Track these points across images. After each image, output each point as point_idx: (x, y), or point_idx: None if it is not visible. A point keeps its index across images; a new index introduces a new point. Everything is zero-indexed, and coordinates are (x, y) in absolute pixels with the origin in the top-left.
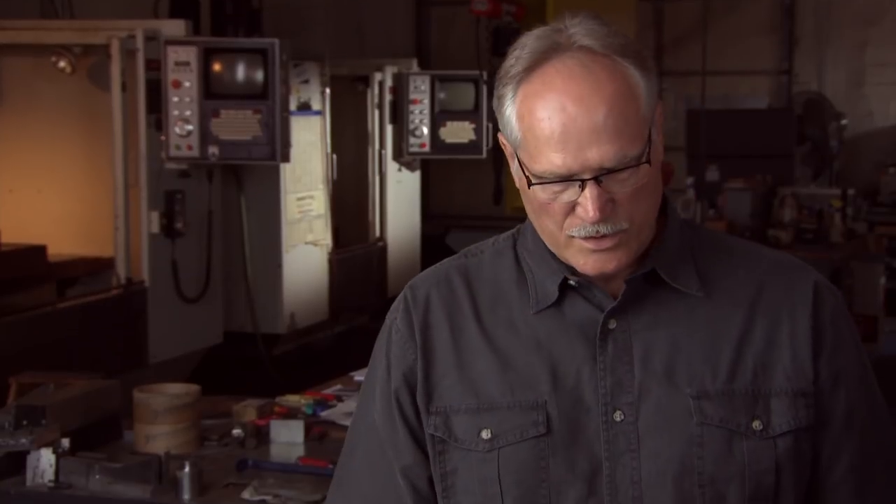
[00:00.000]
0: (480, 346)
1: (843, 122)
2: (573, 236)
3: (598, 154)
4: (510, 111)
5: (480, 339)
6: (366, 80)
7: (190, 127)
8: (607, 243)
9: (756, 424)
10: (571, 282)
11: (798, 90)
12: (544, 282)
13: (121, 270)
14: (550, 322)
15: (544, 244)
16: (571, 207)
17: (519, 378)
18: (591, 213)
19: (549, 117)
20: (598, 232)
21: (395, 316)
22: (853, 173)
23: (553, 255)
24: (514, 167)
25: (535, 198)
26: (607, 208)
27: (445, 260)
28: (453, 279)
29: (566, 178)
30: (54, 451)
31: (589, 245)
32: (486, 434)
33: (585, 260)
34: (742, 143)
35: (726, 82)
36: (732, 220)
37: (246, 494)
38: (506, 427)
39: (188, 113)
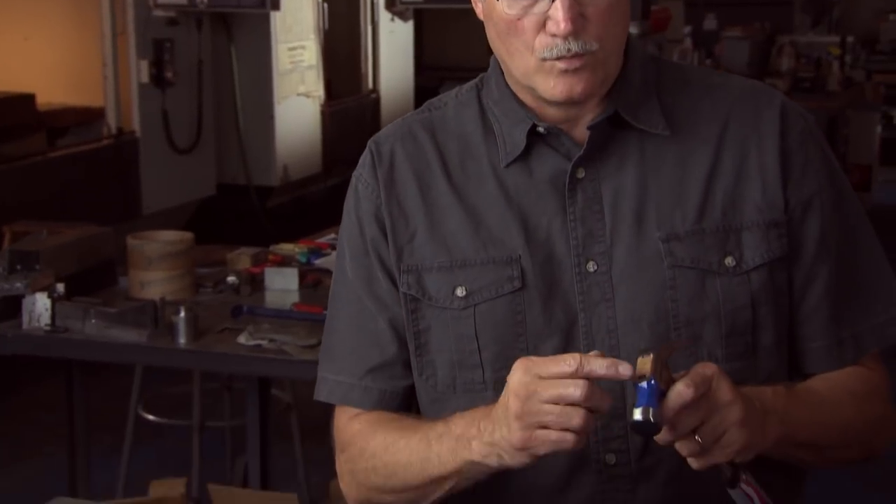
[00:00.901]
0: (450, 202)
1: None
2: (544, 59)
3: None
4: None
5: (450, 195)
6: None
7: None
8: (577, 63)
9: (728, 261)
10: (540, 128)
11: None
12: (511, 131)
13: (111, 120)
14: (519, 176)
15: (510, 91)
16: (542, 23)
17: (491, 234)
18: (561, 26)
19: None
20: (569, 50)
21: (360, 172)
22: (852, 21)
23: (519, 102)
24: None
25: (502, 18)
26: (578, 22)
27: (408, 115)
28: (418, 134)
29: None
30: (49, 296)
31: (560, 65)
32: (460, 291)
33: (555, 83)
34: None
35: None
36: (729, 68)
37: (241, 339)
38: (480, 283)
39: None
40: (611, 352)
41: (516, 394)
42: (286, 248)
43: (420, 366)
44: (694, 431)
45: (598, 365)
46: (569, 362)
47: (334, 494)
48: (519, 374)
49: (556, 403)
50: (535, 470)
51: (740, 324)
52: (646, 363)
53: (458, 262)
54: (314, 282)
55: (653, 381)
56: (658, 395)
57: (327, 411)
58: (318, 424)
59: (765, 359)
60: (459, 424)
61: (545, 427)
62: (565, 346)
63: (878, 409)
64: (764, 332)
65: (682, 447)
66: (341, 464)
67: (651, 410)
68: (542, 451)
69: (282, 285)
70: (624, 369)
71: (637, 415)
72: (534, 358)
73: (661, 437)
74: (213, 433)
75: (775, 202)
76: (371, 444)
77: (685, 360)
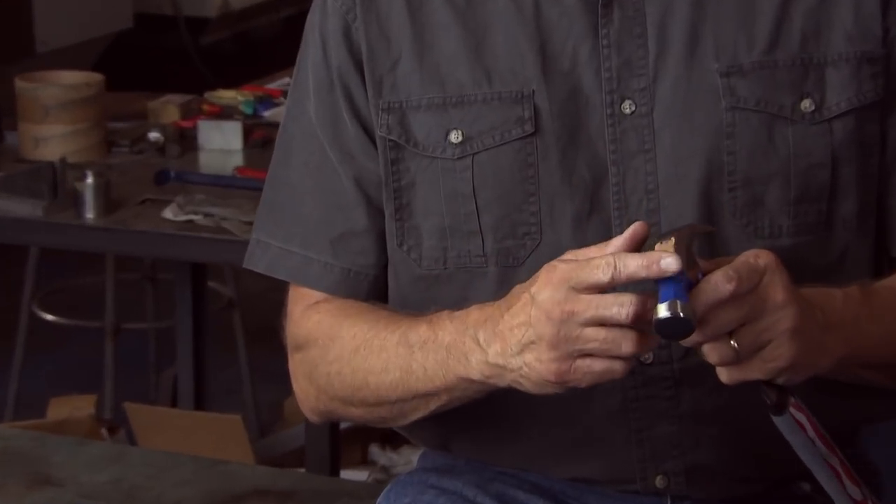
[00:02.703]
0: (446, 18)
1: None
2: None
3: None
4: None
5: (446, 9)
6: None
7: None
8: None
9: (805, 104)
10: None
11: None
12: None
13: None
14: None
15: None
16: None
17: (497, 61)
18: None
19: None
20: None
21: None
22: None
23: None
24: None
25: None
26: None
27: None
28: None
29: None
30: None
31: None
32: (455, 136)
33: None
34: None
35: None
36: None
37: (168, 213)
38: (481, 126)
39: None
40: (649, 217)
41: (550, 316)
42: (226, 95)
43: (401, 234)
44: (731, 334)
45: (637, 266)
46: (602, 269)
47: (290, 415)
48: (549, 289)
49: (601, 325)
50: None
51: (815, 187)
52: (666, 249)
53: (453, 97)
54: (262, 139)
55: (679, 270)
56: (686, 286)
57: (279, 308)
58: (269, 326)
59: (842, 234)
60: (448, 330)
61: (588, 355)
62: (590, 211)
63: None
64: (844, 200)
65: (711, 352)
66: (295, 364)
67: (679, 304)
68: (583, 383)
69: (221, 144)
70: (668, 262)
71: (662, 311)
72: (563, 262)
73: (688, 339)
74: (131, 337)
75: (871, 31)
76: (336, 343)
77: (738, 236)
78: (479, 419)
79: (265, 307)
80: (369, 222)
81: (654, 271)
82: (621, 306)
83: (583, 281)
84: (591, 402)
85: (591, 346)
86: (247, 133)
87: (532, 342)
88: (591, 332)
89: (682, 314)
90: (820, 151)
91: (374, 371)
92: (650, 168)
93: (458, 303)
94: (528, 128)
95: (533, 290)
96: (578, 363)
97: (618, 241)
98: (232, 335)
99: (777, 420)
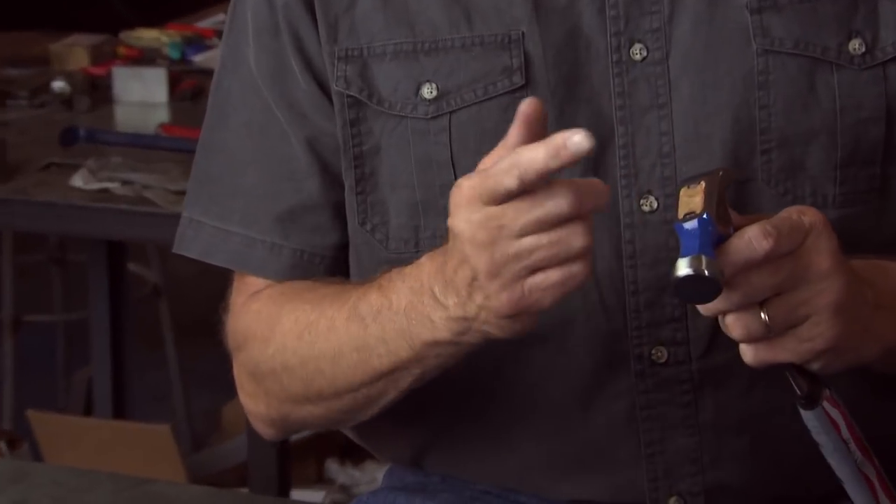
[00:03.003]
0: None
1: None
2: None
3: None
4: None
5: None
6: None
7: None
8: None
9: (855, 45)
10: None
11: None
12: None
13: None
14: None
15: None
16: None
17: None
18: None
19: None
20: None
21: None
22: None
23: None
24: None
25: None
26: None
27: None
28: None
29: None
30: None
31: None
32: (428, 91)
33: None
34: None
35: None
36: None
37: (78, 181)
38: (460, 78)
39: None
40: (663, 186)
41: (474, 242)
42: (147, 36)
43: (363, 210)
44: (762, 304)
45: (544, 155)
46: (507, 172)
47: (229, 424)
48: (463, 213)
49: (539, 231)
50: (545, 381)
51: (866, 146)
52: (694, 195)
53: (424, 43)
54: (192, 90)
55: (706, 217)
56: (715, 239)
57: (217, 296)
58: (203, 318)
59: None
60: (402, 293)
61: (537, 270)
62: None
63: None
64: None
65: (735, 323)
66: (238, 367)
67: (705, 260)
68: (545, 303)
69: (141, 95)
70: (578, 141)
71: (683, 268)
72: (467, 178)
73: (710, 305)
74: (35, 332)
75: None
76: (277, 332)
77: (773, 207)
78: (458, 428)
79: (198, 295)
80: (325, 194)
81: (565, 156)
82: (555, 198)
83: (491, 194)
84: (593, 410)
85: (536, 256)
86: (173, 82)
87: (474, 279)
88: (529, 241)
89: (706, 272)
90: (872, 102)
91: (325, 356)
92: (665, 127)
93: None
94: (517, 79)
95: (449, 221)
96: (530, 282)
97: (512, 134)
98: (158, 329)
99: (806, 415)
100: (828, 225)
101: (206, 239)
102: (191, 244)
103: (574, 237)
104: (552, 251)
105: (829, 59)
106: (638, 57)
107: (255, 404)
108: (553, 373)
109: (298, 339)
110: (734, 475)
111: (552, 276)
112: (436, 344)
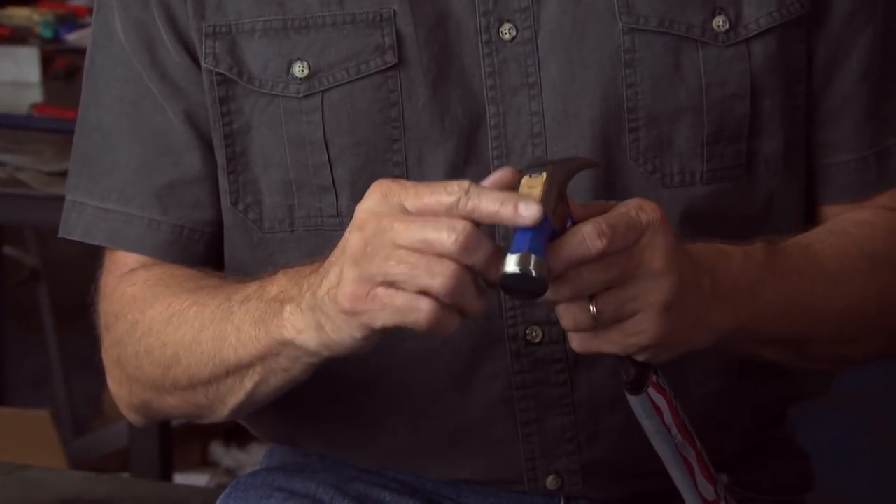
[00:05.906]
0: None
1: None
2: None
3: None
4: None
5: None
6: None
7: None
8: None
9: (719, 22)
10: None
11: None
12: None
13: None
14: None
15: None
16: None
17: None
18: None
19: None
20: None
21: None
22: None
23: None
24: None
25: None
26: None
27: None
28: None
29: None
30: None
31: None
32: (299, 69)
33: None
34: None
35: None
36: None
37: None
38: (332, 57)
39: None
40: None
41: (361, 227)
42: (18, 14)
43: (235, 190)
44: (591, 297)
45: (490, 200)
46: (451, 189)
47: (111, 409)
48: (373, 200)
49: (416, 252)
50: (419, 364)
51: (732, 121)
52: (534, 186)
53: (295, 20)
54: (66, 69)
55: (542, 216)
56: (548, 236)
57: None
58: (84, 302)
59: (766, 179)
60: (279, 282)
61: (391, 285)
62: (466, 160)
63: None
64: (767, 138)
65: (564, 314)
66: (106, 350)
67: (534, 259)
68: (377, 321)
69: (13, 75)
70: (529, 210)
71: (510, 265)
72: (403, 181)
73: (545, 295)
74: None
75: None
76: (147, 315)
77: (642, 185)
78: (330, 409)
79: (78, 278)
80: (205, 168)
81: (505, 215)
82: (450, 231)
83: (420, 200)
84: (470, 391)
85: (396, 270)
86: (46, 61)
87: (339, 256)
88: (401, 253)
89: (533, 272)
90: (737, 79)
91: (183, 342)
92: (535, 106)
93: None
94: (390, 58)
95: (359, 204)
96: (378, 291)
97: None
98: (38, 314)
99: (631, 400)
100: (665, 221)
101: (87, 219)
102: (74, 227)
103: (436, 271)
104: (410, 272)
105: (694, 36)
106: (507, 37)
107: (119, 388)
108: (427, 355)
109: (165, 324)
110: (609, 452)
111: (397, 298)
112: (279, 342)
